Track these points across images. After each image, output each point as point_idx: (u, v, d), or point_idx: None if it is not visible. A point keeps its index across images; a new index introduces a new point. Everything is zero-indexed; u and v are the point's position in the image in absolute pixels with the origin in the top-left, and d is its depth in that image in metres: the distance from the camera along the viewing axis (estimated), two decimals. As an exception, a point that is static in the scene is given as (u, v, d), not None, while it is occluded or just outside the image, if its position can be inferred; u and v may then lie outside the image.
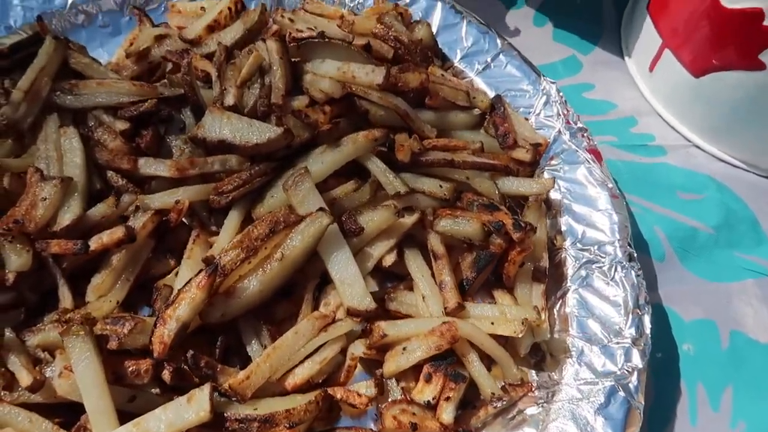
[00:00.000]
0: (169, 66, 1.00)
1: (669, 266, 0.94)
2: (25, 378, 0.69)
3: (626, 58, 1.14)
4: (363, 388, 0.76)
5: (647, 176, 1.01)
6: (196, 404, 0.68)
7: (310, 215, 0.79)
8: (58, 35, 0.98)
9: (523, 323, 0.75)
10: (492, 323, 0.77)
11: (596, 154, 0.91)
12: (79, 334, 0.68)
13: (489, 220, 0.81)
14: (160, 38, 1.01)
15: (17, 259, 0.76)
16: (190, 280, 0.73)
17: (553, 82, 0.98)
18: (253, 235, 0.77)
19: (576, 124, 0.94)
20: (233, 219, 0.85)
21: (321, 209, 0.79)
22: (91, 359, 0.68)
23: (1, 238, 0.77)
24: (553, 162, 0.92)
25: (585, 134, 0.93)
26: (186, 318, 0.71)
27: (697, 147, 1.05)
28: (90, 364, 0.68)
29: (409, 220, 0.83)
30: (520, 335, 0.75)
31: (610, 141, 1.05)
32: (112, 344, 0.71)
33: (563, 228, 0.88)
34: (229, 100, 0.91)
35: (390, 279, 0.87)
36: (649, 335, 0.77)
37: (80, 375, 0.67)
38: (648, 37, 1.06)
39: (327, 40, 0.95)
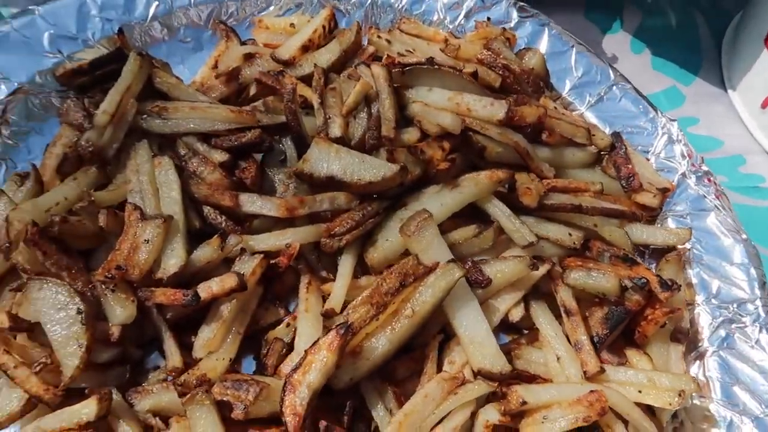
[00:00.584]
0: (253, 88, 0.92)
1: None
2: (140, 453, 0.62)
3: (730, 91, 1.09)
4: (498, 458, 0.70)
5: (762, 221, 0.96)
6: (332, 482, 0.62)
7: (439, 266, 0.72)
8: (140, 51, 0.90)
9: (680, 395, 0.69)
10: (639, 391, 0.71)
11: (725, 201, 0.86)
12: (204, 404, 0.61)
13: (629, 276, 0.75)
14: (249, 57, 0.93)
15: (122, 311, 0.68)
16: (318, 341, 0.66)
17: (673, 120, 0.92)
18: (383, 289, 0.70)
19: (701, 166, 0.88)
20: (347, 264, 0.78)
21: (452, 260, 0.73)
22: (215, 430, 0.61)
23: (103, 286, 0.69)
24: (677, 208, 0.86)
25: (711, 178, 0.88)
26: (317, 385, 0.64)
27: (810, 189, 1.00)
28: (216, 436, 0.61)
29: (539, 271, 0.77)
30: (675, 408, 0.69)
31: (721, 181, 0.99)
32: (237, 414, 0.63)
33: (694, 281, 0.82)
34: (336, 131, 0.83)
35: (507, 330, 0.81)
36: (808, 407, 0.72)
37: (205, 450, 0.60)
38: (760, 71, 1.00)
39: (437, 67, 0.89)
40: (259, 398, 0.65)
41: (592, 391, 0.69)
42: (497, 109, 0.84)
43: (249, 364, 0.75)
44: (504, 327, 0.80)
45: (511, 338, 0.80)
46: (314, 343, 0.67)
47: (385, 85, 0.86)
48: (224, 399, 0.64)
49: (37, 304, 0.67)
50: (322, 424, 0.65)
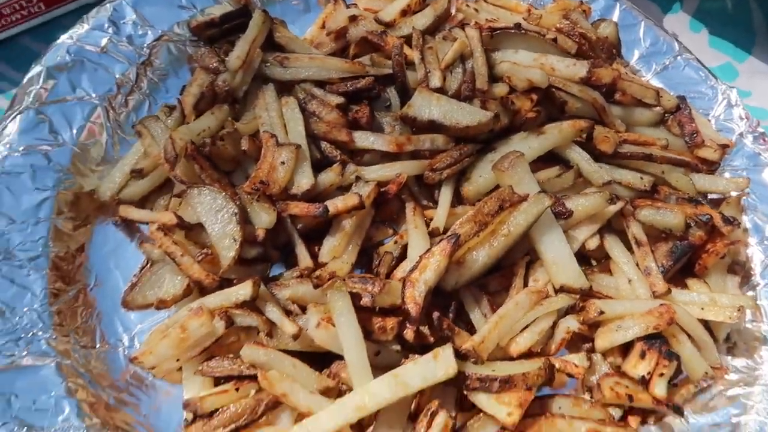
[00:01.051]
0: (353, 48, 1.05)
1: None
2: (289, 327, 0.74)
3: (780, 69, 1.19)
4: (577, 359, 0.82)
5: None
6: (443, 361, 0.73)
7: (531, 196, 0.84)
8: (263, 8, 1.03)
9: (739, 309, 0.80)
10: (702, 309, 0.82)
11: (778, 157, 0.96)
12: (341, 290, 0.74)
13: (695, 213, 0.86)
14: (353, 18, 1.06)
15: (266, 216, 0.81)
16: (432, 248, 0.78)
17: (732, 87, 1.02)
18: (485, 210, 0.82)
19: (757, 128, 0.99)
20: (447, 194, 0.90)
21: (543, 191, 0.85)
22: (351, 313, 0.73)
23: (248, 197, 0.82)
24: (735, 163, 0.97)
25: (766, 138, 0.98)
26: (432, 282, 0.77)
27: None
28: (351, 317, 0.73)
29: (614, 207, 0.89)
30: (735, 321, 0.80)
31: (770, 147, 1.10)
32: (366, 301, 0.76)
33: (749, 225, 0.93)
34: (435, 82, 0.96)
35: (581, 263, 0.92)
36: None
37: (342, 327, 0.73)
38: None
39: (524, 31, 1.01)
40: (383, 291, 0.77)
41: (661, 305, 0.81)
42: (579, 68, 0.96)
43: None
44: (579, 258, 0.92)
45: (584, 268, 0.91)
46: (428, 250, 0.79)
47: (478, 44, 0.98)
48: (353, 291, 0.77)
49: (197, 207, 0.80)
50: (435, 314, 0.77)
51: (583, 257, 0.91)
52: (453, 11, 1.11)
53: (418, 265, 0.78)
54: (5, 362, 0.71)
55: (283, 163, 0.85)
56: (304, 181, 0.85)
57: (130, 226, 0.88)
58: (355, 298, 0.76)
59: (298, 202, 0.83)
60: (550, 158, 0.95)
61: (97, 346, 0.79)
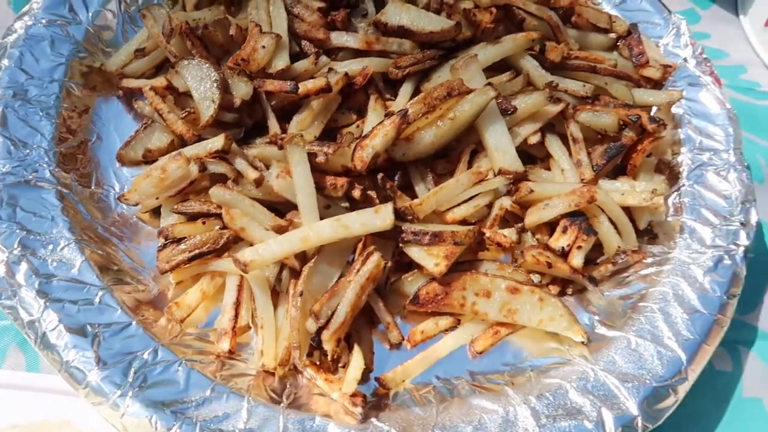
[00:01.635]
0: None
1: (767, 188, 1.07)
2: (251, 174, 0.87)
3: (741, 17, 1.27)
4: (507, 232, 0.92)
5: (753, 113, 1.15)
6: (382, 214, 0.84)
7: (479, 88, 0.95)
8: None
9: (652, 192, 0.90)
10: (622, 194, 0.92)
11: (717, 80, 1.05)
12: (299, 144, 0.86)
13: (627, 114, 0.96)
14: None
15: (244, 88, 0.93)
16: (383, 120, 0.90)
17: (683, 19, 1.12)
18: (434, 95, 0.93)
19: (701, 54, 1.08)
20: (407, 89, 1.01)
21: (489, 84, 0.95)
22: (306, 163, 0.85)
23: (230, 71, 0.95)
24: (677, 84, 1.06)
25: (708, 64, 1.07)
26: (380, 147, 0.88)
27: (799, 98, 1.18)
28: (305, 167, 0.85)
29: (555, 108, 0.99)
30: (647, 203, 0.90)
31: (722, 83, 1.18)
32: (320, 159, 0.88)
33: (682, 137, 1.02)
34: (408, -5, 1.07)
35: (526, 163, 1.02)
36: (754, 225, 0.91)
37: (297, 175, 0.84)
38: (767, -4, 1.19)
39: (493, -42, 1.12)
40: (337, 153, 0.89)
41: (584, 185, 0.91)
42: (537, -12, 1.06)
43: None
44: (524, 157, 1.02)
45: (528, 165, 1.01)
46: (380, 122, 0.90)
47: (451, -35, 1.10)
48: (312, 150, 0.89)
49: (186, 75, 0.93)
50: (380, 175, 0.89)
51: (529, 157, 1.02)
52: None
53: (369, 133, 0.90)
54: (15, 179, 0.85)
55: (263, 46, 0.97)
56: (281, 63, 0.97)
57: (130, 101, 1.01)
58: (312, 157, 0.88)
59: (273, 80, 0.96)
60: (507, 69, 1.06)
61: (92, 187, 0.92)
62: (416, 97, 0.94)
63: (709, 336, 0.82)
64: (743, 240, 0.89)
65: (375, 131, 0.89)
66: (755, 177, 1.08)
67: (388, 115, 0.96)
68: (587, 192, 0.89)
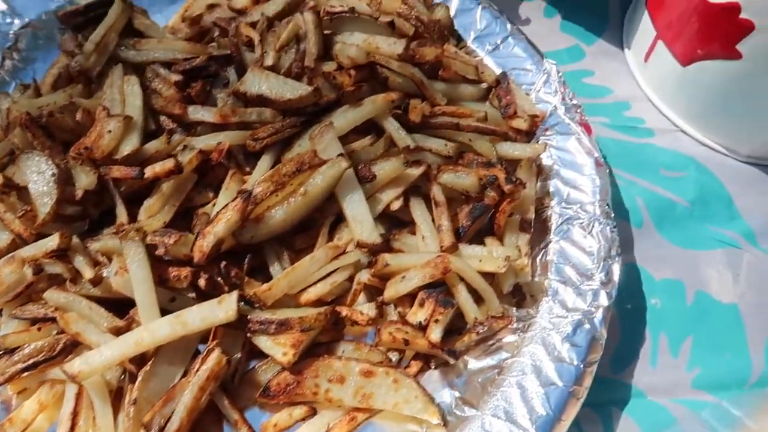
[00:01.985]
0: (218, 31, 1.15)
1: (646, 233, 1.05)
2: (88, 272, 0.84)
3: (626, 50, 1.25)
4: (365, 308, 0.90)
5: (634, 154, 1.12)
6: (225, 306, 0.82)
7: (331, 160, 0.92)
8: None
9: (506, 260, 0.87)
10: (480, 261, 0.90)
11: (587, 128, 1.03)
12: (135, 239, 0.83)
13: (484, 175, 0.94)
14: (211, 7, 1.16)
15: (85, 179, 0.90)
16: (228, 203, 0.87)
17: (554, 63, 1.09)
18: (282, 171, 0.91)
19: (571, 101, 1.05)
20: (265, 162, 0.98)
21: (341, 155, 0.93)
22: (142, 260, 0.82)
23: (73, 161, 0.92)
24: (547, 133, 1.04)
25: (578, 110, 1.05)
26: (222, 234, 0.85)
27: (684, 132, 1.16)
28: (141, 263, 0.82)
29: (415, 171, 0.96)
30: (502, 270, 0.87)
31: (603, 122, 1.16)
32: (160, 251, 0.85)
33: (551, 190, 0.99)
34: (269, 61, 1.05)
35: (396, 227, 0.99)
36: (616, 281, 0.89)
37: (133, 272, 0.82)
38: (645, 30, 1.17)
39: (357, 15, 1.09)
40: (178, 243, 0.86)
41: (438, 256, 0.88)
42: (398, 46, 1.04)
43: (186, 236, 0.97)
44: (394, 222, 0.99)
45: (395, 230, 0.98)
46: (224, 206, 0.88)
47: (312, 27, 1.07)
48: (152, 243, 0.86)
49: (25, 170, 0.90)
50: (223, 263, 0.86)
51: (398, 221, 0.99)
52: (308, -2, 1.20)
53: (213, 219, 0.87)
54: None
55: (110, 131, 0.94)
56: (128, 147, 0.95)
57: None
58: (153, 248, 0.86)
59: (119, 167, 0.93)
60: (375, 128, 1.03)
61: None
62: (264, 175, 0.91)
63: (564, 410, 0.80)
64: (603, 300, 0.87)
65: (219, 216, 0.87)
66: (634, 221, 1.06)
67: (240, 193, 0.94)
68: (441, 263, 0.87)
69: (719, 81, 1.04)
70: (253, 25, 1.12)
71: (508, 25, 1.15)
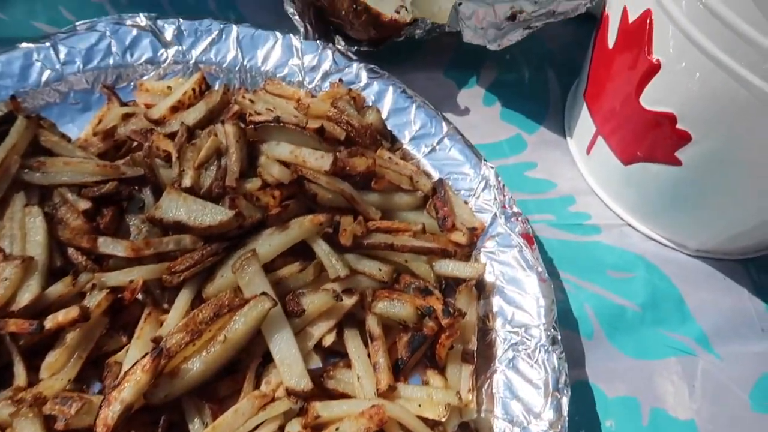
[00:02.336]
0: (135, 143, 1.07)
1: (597, 343, 1.00)
2: (-26, 456, 0.74)
3: (568, 138, 1.22)
4: (298, 465, 0.81)
5: (581, 254, 1.08)
6: (136, 483, 0.73)
7: (253, 299, 0.85)
8: (31, 113, 1.05)
9: (446, 408, 0.80)
10: (419, 405, 0.82)
11: (528, 239, 0.98)
12: (28, 417, 0.73)
13: (421, 305, 0.87)
14: (126, 117, 1.08)
15: (-25, 339, 0.81)
16: (136, 363, 0.78)
17: (492, 167, 1.05)
18: (198, 318, 0.83)
19: (511, 208, 1.00)
20: (183, 298, 0.90)
21: (264, 293, 0.85)
22: (38, 438, 0.73)
23: (-40, 318, 0.82)
24: (488, 244, 0.99)
25: (519, 218, 1.00)
26: (130, 400, 0.76)
27: (630, 226, 1.12)
28: (36, 444, 0.72)
29: (348, 302, 0.89)
30: (443, 419, 0.80)
31: (548, 220, 1.12)
32: (59, 425, 0.75)
33: (495, 309, 0.94)
34: (187, 182, 0.97)
35: (334, 355, 0.92)
36: (566, 417, 0.83)
37: (26, 455, 0.72)
38: (585, 122, 1.13)
39: (282, 124, 1.03)
40: (81, 412, 0.77)
41: (373, 406, 0.81)
42: (324, 161, 0.97)
43: (97, 388, 0.87)
44: (330, 352, 0.92)
45: (331, 364, 0.91)
46: (133, 365, 0.79)
47: (234, 141, 1.00)
48: (52, 413, 0.76)
49: None
50: (132, 433, 0.77)
51: (336, 352, 0.92)
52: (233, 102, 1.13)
53: (121, 381, 0.78)
54: None
55: (5, 279, 0.85)
56: (25, 296, 0.85)
57: None
58: (52, 421, 0.76)
59: (16, 319, 0.83)
60: (307, 251, 0.96)
61: None
62: (177, 324, 0.83)
63: None
64: (553, 442, 0.81)
65: (126, 378, 0.78)
66: (584, 332, 1.01)
67: (154, 342, 0.85)
68: (376, 414, 0.79)
69: (662, 183, 1.00)
70: (171, 136, 1.05)
71: (444, 125, 1.10)
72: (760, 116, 0.78)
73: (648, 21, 0.86)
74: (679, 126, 0.90)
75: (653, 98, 0.91)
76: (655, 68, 0.88)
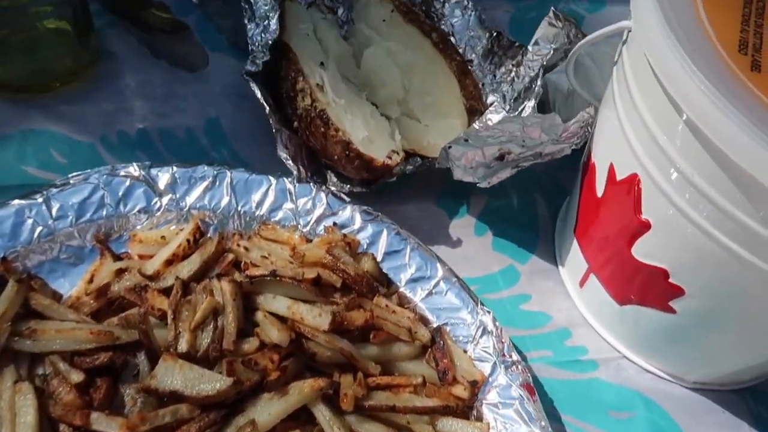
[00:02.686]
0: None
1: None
2: None
3: (560, 267, 1.24)
4: None
5: (580, 394, 1.07)
6: None
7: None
8: (22, 273, 1.04)
9: None
10: None
11: (530, 390, 0.97)
12: None
13: (427, 476, 0.86)
14: (120, 272, 1.07)
15: None
16: None
17: (488, 311, 1.05)
18: (198, 508, 0.80)
19: (510, 356, 1.00)
20: (182, 477, 0.88)
21: (266, 475, 0.83)
22: None
23: None
24: (489, 396, 0.98)
25: (519, 367, 1.00)
26: None
27: (627, 358, 1.13)
28: None
29: (351, 475, 0.87)
30: None
31: (546, 357, 1.12)
32: None
33: (500, 469, 0.92)
34: (183, 346, 0.95)
35: None
36: None
37: None
38: (576, 256, 1.15)
39: (278, 278, 1.03)
40: None
41: None
42: (323, 320, 0.97)
43: None
44: None
45: None
46: None
47: (230, 299, 1.00)
48: None
49: None
50: None
51: None
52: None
53: None
54: None
55: (-7, 472, 0.82)
56: (15, 492, 0.82)
57: None
58: None
59: None
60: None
61: None
62: None
63: None
64: None
65: None
66: (591, 484, 0.99)
67: None
68: None
69: (657, 325, 1.02)
70: (166, 291, 1.04)
71: (439, 267, 1.11)
72: (752, 285, 0.81)
73: (636, 183, 0.89)
74: (671, 280, 0.91)
75: (644, 252, 0.93)
76: (645, 226, 0.90)
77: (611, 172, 0.96)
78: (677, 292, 0.92)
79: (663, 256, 0.91)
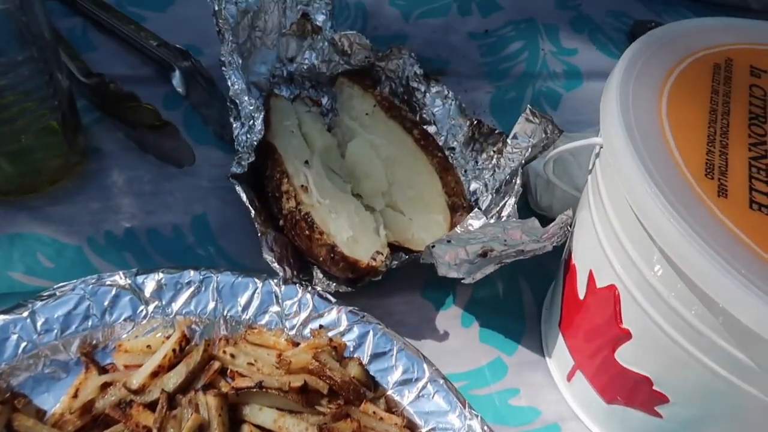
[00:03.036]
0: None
1: None
2: None
3: (547, 358, 1.24)
4: None
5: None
6: None
7: None
8: (5, 391, 1.03)
9: None
10: None
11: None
12: None
13: None
14: (105, 386, 1.06)
15: None
16: None
17: (477, 414, 1.04)
18: None
19: (500, 465, 1.00)
20: None
21: None
22: None
23: None
24: (481, 507, 0.97)
25: (509, 476, 0.99)
26: None
27: (619, 454, 1.12)
28: None
29: None
30: None
31: (537, 457, 1.11)
32: None
33: None
34: (168, 467, 0.95)
35: None
36: None
37: None
38: (562, 350, 1.16)
39: (264, 390, 1.02)
40: None
41: None
42: (310, 435, 0.97)
43: None
44: None
45: None
46: None
47: (216, 415, 0.99)
48: None
49: None
50: None
51: None
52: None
53: None
54: None
55: None
56: None
57: None
58: None
59: None
60: None
61: None
62: None
63: None
64: None
65: None
66: None
67: None
68: None
69: (645, 426, 1.01)
70: (151, 405, 1.03)
71: (426, 368, 1.10)
72: (735, 399, 0.81)
73: (615, 292, 0.91)
74: (655, 388, 0.92)
75: (627, 360, 0.94)
76: (626, 335, 0.91)
77: (591, 278, 0.97)
78: (662, 399, 0.92)
79: (645, 365, 0.91)
